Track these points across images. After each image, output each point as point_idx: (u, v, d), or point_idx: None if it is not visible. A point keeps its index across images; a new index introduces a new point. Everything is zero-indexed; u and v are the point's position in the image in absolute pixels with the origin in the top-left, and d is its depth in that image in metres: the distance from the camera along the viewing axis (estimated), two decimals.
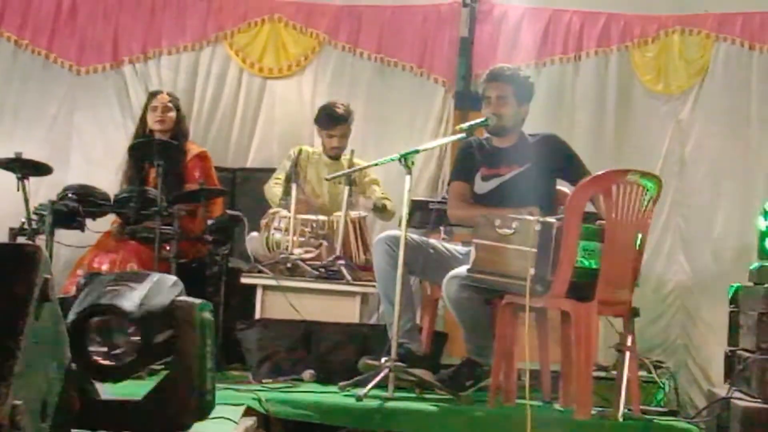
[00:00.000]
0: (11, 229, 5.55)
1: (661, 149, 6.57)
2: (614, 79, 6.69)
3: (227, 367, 5.41)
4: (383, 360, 4.45)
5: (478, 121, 4.90)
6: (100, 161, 6.74)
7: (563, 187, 4.91)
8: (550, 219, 4.27)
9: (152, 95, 6.18)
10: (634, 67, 6.65)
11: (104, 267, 5.51)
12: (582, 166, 4.81)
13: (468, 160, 4.96)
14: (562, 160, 4.85)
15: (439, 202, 5.44)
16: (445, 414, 4.34)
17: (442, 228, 5.43)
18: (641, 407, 4.51)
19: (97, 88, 6.92)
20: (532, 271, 4.15)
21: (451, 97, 6.77)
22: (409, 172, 4.54)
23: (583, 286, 4.25)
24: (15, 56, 6.90)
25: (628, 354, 4.37)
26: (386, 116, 6.80)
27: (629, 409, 4.36)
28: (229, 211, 5.93)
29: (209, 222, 5.66)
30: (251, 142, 6.95)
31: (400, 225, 4.65)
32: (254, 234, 5.71)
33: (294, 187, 5.62)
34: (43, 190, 5.97)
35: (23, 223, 5.41)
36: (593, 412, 4.30)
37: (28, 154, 5.51)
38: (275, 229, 5.62)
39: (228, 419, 3.78)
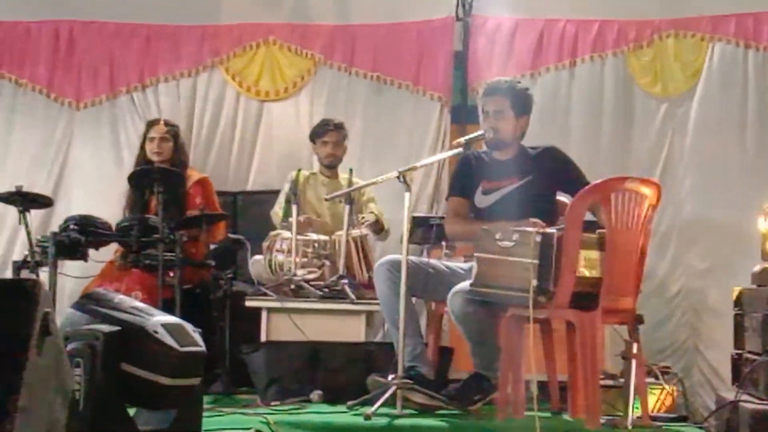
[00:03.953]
0: (14, 263, 5.58)
1: (660, 152, 6.58)
2: (611, 85, 6.71)
3: (235, 391, 5.41)
4: (390, 377, 4.45)
5: (475, 134, 4.89)
6: (100, 192, 6.77)
7: (563, 197, 4.91)
8: (551, 230, 4.27)
9: (150, 125, 6.20)
10: (631, 71, 6.67)
11: None
12: (581, 176, 4.81)
13: (466, 175, 4.95)
14: (562, 172, 4.84)
15: (439, 218, 5.45)
16: (454, 429, 4.32)
17: (443, 244, 5.44)
18: (650, 414, 4.50)
19: (94, 120, 6.97)
20: (534, 282, 4.15)
21: (447, 112, 6.80)
22: (408, 189, 4.54)
23: (586, 296, 4.25)
24: (15, 94, 6.96)
25: (634, 361, 4.36)
26: (384, 134, 6.83)
27: (639, 417, 4.35)
28: (231, 235, 5.96)
29: (212, 247, 5.67)
30: (251, 165, 6.99)
31: (401, 241, 4.66)
32: (257, 257, 5.72)
33: (294, 208, 5.63)
34: (46, 223, 6.00)
35: (26, 256, 5.43)
36: (602, 421, 4.29)
37: (31, 188, 5.54)
38: (277, 251, 5.63)
39: None
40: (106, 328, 2.89)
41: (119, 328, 2.91)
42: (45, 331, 2.27)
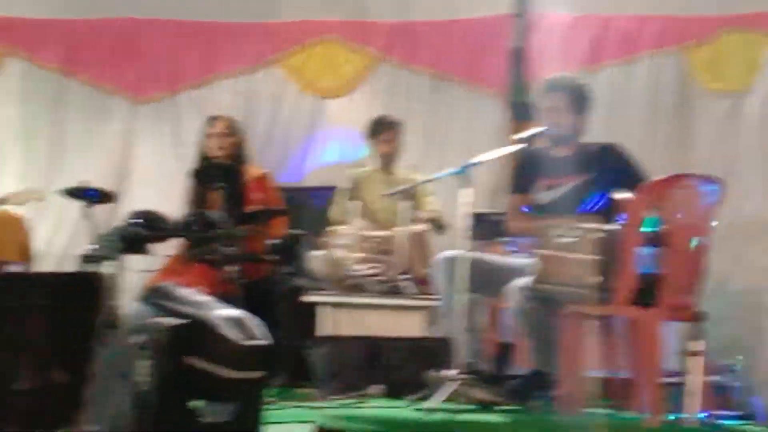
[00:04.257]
0: (78, 257, 5.66)
1: (720, 148, 6.52)
2: (670, 81, 6.66)
3: (294, 385, 5.45)
4: (450, 373, 4.46)
5: (534, 131, 4.88)
6: (161, 187, 6.86)
7: (623, 194, 4.87)
8: (611, 226, 4.25)
9: (210, 121, 6.24)
10: (691, 67, 6.61)
11: None
12: (642, 173, 4.76)
13: (526, 172, 4.94)
14: (622, 169, 4.80)
15: (498, 214, 5.44)
16: (513, 425, 4.31)
17: (502, 239, 5.43)
18: (714, 412, 4.46)
19: (155, 116, 7.06)
20: (594, 279, 4.13)
21: (505, 109, 6.77)
22: (467, 185, 4.54)
23: (646, 293, 4.22)
24: (79, 91, 7.07)
25: (697, 359, 4.32)
26: (441, 130, 6.84)
27: (701, 414, 4.31)
28: (291, 231, 5.99)
29: (272, 242, 5.71)
30: (309, 162, 7.02)
31: (460, 237, 4.66)
32: (316, 252, 5.75)
33: (353, 205, 5.65)
34: (109, 218, 6.10)
35: (90, 251, 5.50)
36: (664, 418, 4.26)
37: (95, 184, 5.62)
38: (337, 246, 5.66)
39: None
40: (171, 321, 2.92)
41: (184, 321, 2.94)
42: (111, 323, 2.32)
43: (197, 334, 2.94)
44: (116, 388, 2.42)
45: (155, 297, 3.13)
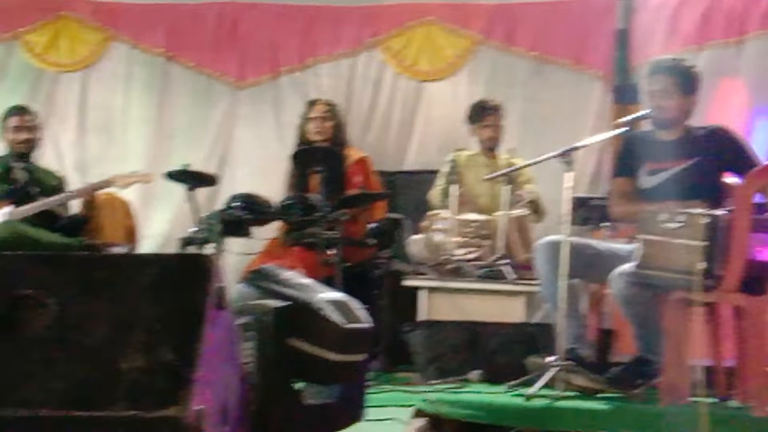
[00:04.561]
0: (181, 239, 5.75)
1: None
2: None
3: (393, 369, 5.46)
4: (551, 359, 4.42)
5: (638, 114, 4.79)
6: (261, 170, 6.93)
7: (731, 178, 4.76)
8: (719, 211, 4.16)
9: (310, 104, 6.28)
10: None
11: None
12: (752, 157, 4.64)
13: (630, 155, 4.85)
14: (731, 153, 4.67)
15: (600, 199, 5.36)
16: (616, 413, 4.25)
17: (605, 225, 5.35)
18: None
19: (255, 100, 7.13)
20: (701, 265, 4.05)
21: (609, 91, 6.67)
22: (570, 169, 4.48)
23: (756, 280, 4.12)
24: (182, 76, 7.18)
25: None
26: (543, 114, 6.77)
27: None
28: (390, 215, 5.99)
29: (371, 226, 5.72)
30: (409, 145, 7.03)
31: (561, 222, 4.60)
32: (416, 236, 5.74)
33: (453, 188, 5.62)
34: (210, 201, 6.18)
35: (192, 233, 5.59)
36: None
37: (196, 167, 5.71)
38: (436, 230, 5.65)
39: (398, 420, 3.80)
40: (275, 303, 2.94)
41: (288, 302, 2.96)
42: (219, 305, 2.33)
43: (301, 316, 2.95)
44: (223, 369, 2.43)
45: (259, 279, 3.16)
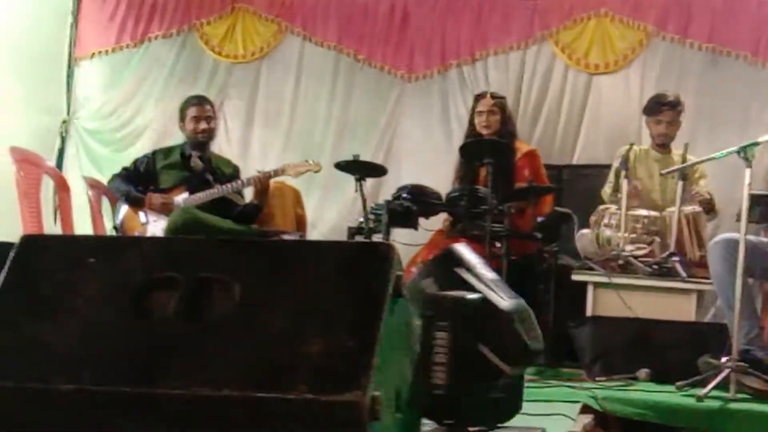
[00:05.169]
0: (350, 228, 5.84)
1: None
2: None
3: (557, 364, 5.41)
4: (724, 359, 4.30)
5: None
6: (428, 162, 6.97)
7: None
8: None
9: (478, 98, 6.28)
10: None
11: None
12: None
13: None
14: None
15: None
16: None
17: None
18: None
19: (423, 93, 7.17)
20: None
21: None
22: (749, 166, 4.35)
23: None
24: (352, 68, 7.29)
25: None
26: (718, 108, 6.59)
27: None
28: (557, 209, 5.94)
29: (539, 220, 5.68)
30: (577, 139, 6.95)
31: (738, 220, 4.47)
32: (584, 231, 5.67)
33: (625, 183, 5.53)
34: (376, 191, 6.26)
35: (361, 223, 5.66)
36: None
37: (364, 158, 5.79)
38: (605, 225, 5.56)
39: (565, 416, 3.78)
40: (471, 295, 2.94)
41: (477, 299, 2.95)
42: (397, 293, 2.35)
43: (491, 322, 2.94)
44: (399, 356, 2.46)
45: (445, 263, 3.15)
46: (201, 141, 5.91)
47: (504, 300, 3.00)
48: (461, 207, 5.56)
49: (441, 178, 6.31)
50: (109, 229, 6.02)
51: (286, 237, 5.68)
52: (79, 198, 6.38)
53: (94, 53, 7.83)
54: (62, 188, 6.24)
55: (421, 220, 5.71)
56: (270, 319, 2.31)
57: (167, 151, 6.03)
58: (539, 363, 5.32)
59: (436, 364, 2.83)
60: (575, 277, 5.50)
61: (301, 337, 2.23)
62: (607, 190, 5.93)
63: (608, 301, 5.36)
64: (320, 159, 6.12)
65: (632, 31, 6.78)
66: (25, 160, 5.90)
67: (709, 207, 5.81)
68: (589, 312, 5.42)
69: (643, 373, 4.90)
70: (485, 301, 2.96)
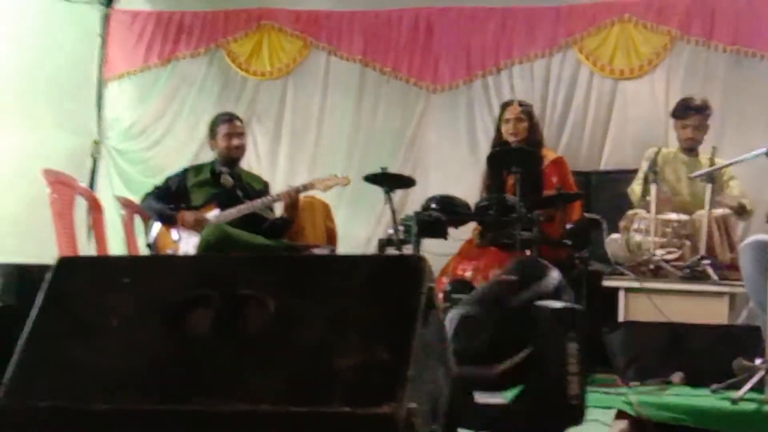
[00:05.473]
0: (380, 240, 5.86)
1: None
2: None
3: (592, 370, 5.40)
4: (758, 361, 4.29)
5: None
6: (454, 173, 6.99)
7: None
8: None
9: (504, 106, 6.29)
10: None
11: (467, 273, 5.68)
12: None
13: None
14: None
15: None
16: None
17: None
18: None
19: (449, 104, 7.20)
20: None
21: None
22: None
23: None
24: (378, 81, 7.34)
25: None
26: (744, 110, 6.58)
27: None
28: (586, 215, 5.94)
29: (568, 226, 5.69)
30: (604, 144, 6.97)
31: None
32: (614, 236, 5.68)
33: (653, 187, 5.52)
34: (403, 203, 6.30)
35: (391, 234, 5.68)
36: None
37: (392, 170, 5.82)
38: (635, 230, 5.57)
39: (600, 422, 3.78)
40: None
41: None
42: (430, 304, 2.38)
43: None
44: (433, 368, 2.48)
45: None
46: (233, 157, 5.96)
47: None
48: (490, 216, 5.57)
49: (468, 188, 6.32)
50: (142, 248, 6.08)
51: (316, 251, 5.72)
52: (112, 217, 6.45)
53: (122, 74, 7.92)
54: (95, 208, 6.31)
55: (451, 230, 5.72)
56: (304, 333, 2.34)
57: (198, 169, 6.08)
58: None
59: (570, 374, 2.87)
60: (607, 283, 5.50)
61: (336, 350, 2.26)
62: (635, 189, 5.92)
63: (640, 305, 5.36)
64: (348, 172, 6.14)
65: (656, 36, 6.79)
66: (59, 182, 5.97)
67: (741, 209, 5.79)
68: (621, 317, 5.42)
69: (677, 377, 4.88)
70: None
